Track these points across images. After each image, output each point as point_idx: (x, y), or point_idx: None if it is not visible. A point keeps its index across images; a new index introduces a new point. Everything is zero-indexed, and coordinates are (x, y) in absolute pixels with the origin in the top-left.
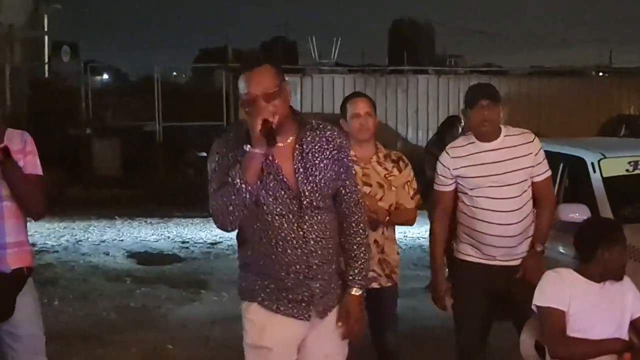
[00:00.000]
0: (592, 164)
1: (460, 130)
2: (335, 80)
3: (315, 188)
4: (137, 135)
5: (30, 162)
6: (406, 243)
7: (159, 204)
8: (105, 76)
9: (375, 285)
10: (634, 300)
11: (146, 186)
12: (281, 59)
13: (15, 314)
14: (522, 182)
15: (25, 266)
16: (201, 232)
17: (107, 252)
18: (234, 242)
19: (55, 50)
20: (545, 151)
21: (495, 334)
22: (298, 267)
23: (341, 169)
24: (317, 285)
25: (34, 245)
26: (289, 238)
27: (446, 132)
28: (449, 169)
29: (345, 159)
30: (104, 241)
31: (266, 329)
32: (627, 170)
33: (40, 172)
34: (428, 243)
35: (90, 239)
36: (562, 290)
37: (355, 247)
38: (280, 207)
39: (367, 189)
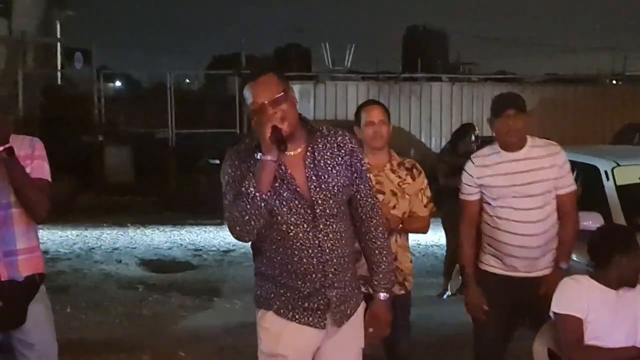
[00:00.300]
0: (606, 172)
1: (473, 138)
2: (348, 88)
3: (329, 195)
4: (150, 142)
5: (37, 167)
6: (419, 251)
7: (171, 211)
8: (118, 83)
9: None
10: None
11: (159, 193)
12: (285, 66)
13: (27, 321)
14: (545, 193)
15: (37, 273)
16: (214, 240)
17: (120, 260)
18: (247, 249)
19: (67, 57)
20: None
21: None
22: (314, 275)
23: (354, 174)
24: (334, 293)
25: (46, 252)
26: (304, 247)
27: (459, 140)
28: (473, 177)
29: (358, 163)
30: (116, 249)
31: (281, 336)
32: None
33: (47, 177)
34: (442, 251)
35: (102, 247)
36: (580, 298)
37: (377, 251)
38: (295, 216)
39: (380, 197)
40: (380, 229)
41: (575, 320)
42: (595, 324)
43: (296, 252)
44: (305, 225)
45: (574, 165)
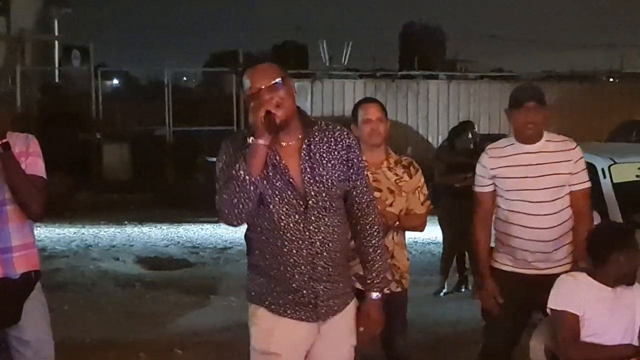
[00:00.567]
0: (603, 169)
1: (470, 136)
2: (346, 85)
3: (322, 188)
4: (148, 139)
5: (32, 163)
6: (417, 248)
7: (169, 208)
8: (116, 81)
9: (385, 290)
10: None
11: (156, 191)
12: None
13: (23, 318)
14: (557, 187)
15: (33, 270)
16: (211, 237)
17: (117, 257)
18: (244, 247)
19: (65, 55)
20: None
21: None
22: (303, 268)
23: (351, 170)
24: (322, 287)
25: (43, 250)
26: (294, 238)
27: (456, 138)
28: (486, 168)
29: (355, 159)
30: (113, 246)
31: (274, 334)
32: (638, 176)
33: (42, 173)
34: (439, 249)
35: (100, 244)
36: (577, 295)
37: (371, 250)
38: (287, 207)
39: (377, 194)
40: (376, 227)
41: (572, 317)
42: (592, 321)
43: (286, 243)
44: (296, 217)
45: None
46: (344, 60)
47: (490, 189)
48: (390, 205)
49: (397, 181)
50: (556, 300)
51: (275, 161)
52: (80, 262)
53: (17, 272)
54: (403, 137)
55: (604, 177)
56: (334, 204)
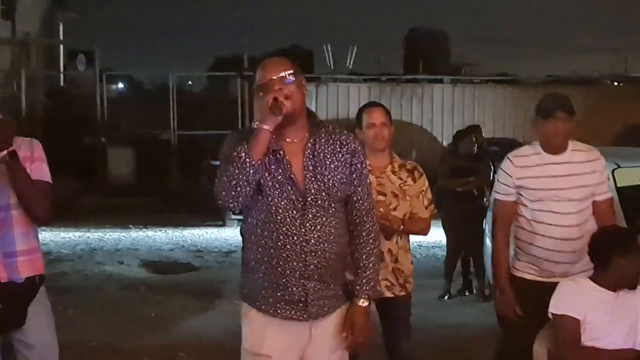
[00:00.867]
0: None
1: (474, 139)
2: (350, 89)
3: (323, 187)
4: (152, 143)
5: (37, 168)
6: (421, 252)
7: (173, 212)
8: (121, 85)
9: (388, 294)
10: None
11: (161, 195)
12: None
13: (27, 322)
14: (584, 199)
15: (37, 274)
16: (216, 241)
17: (122, 261)
18: None
19: (70, 59)
20: None
21: None
22: (295, 264)
23: (353, 175)
24: (312, 285)
25: (48, 253)
26: (289, 233)
27: (460, 141)
28: (512, 177)
29: (358, 164)
30: (118, 250)
31: (265, 337)
32: None
33: (47, 178)
34: (444, 253)
35: (104, 248)
36: (578, 299)
37: (364, 256)
38: (285, 201)
39: (381, 198)
40: (373, 235)
41: (572, 321)
42: (593, 325)
43: (281, 237)
44: (294, 212)
45: None
46: (349, 64)
47: (513, 198)
48: (395, 209)
49: (402, 185)
50: (557, 305)
51: (278, 155)
52: (85, 265)
53: (22, 276)
54: (408, 141)
55: (608, 181)
56: (333, 205)
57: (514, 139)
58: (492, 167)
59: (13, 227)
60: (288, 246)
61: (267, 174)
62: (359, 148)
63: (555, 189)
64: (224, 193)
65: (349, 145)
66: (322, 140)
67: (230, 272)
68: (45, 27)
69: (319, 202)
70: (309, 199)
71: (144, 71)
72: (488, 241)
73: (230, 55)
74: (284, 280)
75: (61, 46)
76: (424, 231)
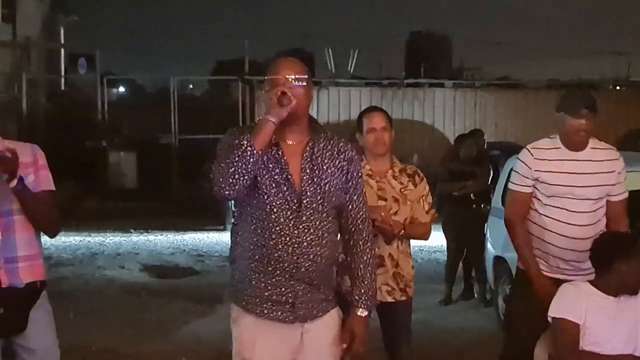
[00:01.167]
0: None
1: (474, 143)
2: (352, 93)
3: (318, 190)
4: (153, 147)
5: (43, 177)
6: (422, 257)
7: (174, 216)
8: (122, 88)
9: (389, 298)
10: None
11: (162, 199)
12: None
13: (29, 327)
14: (600, 199)
15: (39, 280)
16: (217, 245)
17: (123, 265)
18: None
19: (71, 62)
20: None
21: None
22: (286, 265)
23: (349, 182)
24: (301, 287)
25: (49, 258)
26: (282, 233)
27: (460, 145)
28: (531, 169)
29: (354, 172)
30: (119, 254)
31: (256, 344)
32: None
33: (52, 187)
34: (445, 257)
35: (105, 252)
36: (578, 303)
37: (361, 266)
38: (281, 200)
39: (382, 203)
40: (369, 244)
41: (572, 325)
42: (593, 330)
43: (274, 236)
44: (288, 212)
45: None
46: (350, 68)
47: (531, 190)
48: (395, 213)
49: (402, 190)
50: (557, 309)
51: (277, 155)
52: (86, 270)
53: (23, 281)
54: (409, 146)
55: None
56: (327, 210)
57: (515, 143)
58: (491, 172)
59: (15, 232)
60: (280, 246)
61: (264, 172)
62: (356, 157)
63: (571, 185)
64: (221, 179)
65: (347, 153)
66: (321, 145)
67: None
68: (46, 30)
69: (314, 205)
70: (304, 201)
71: (145, 75)
72: (489, 246)
73: (231, 59)
74: (273, 280)
75: (62, 49)
76: (425, 236)
